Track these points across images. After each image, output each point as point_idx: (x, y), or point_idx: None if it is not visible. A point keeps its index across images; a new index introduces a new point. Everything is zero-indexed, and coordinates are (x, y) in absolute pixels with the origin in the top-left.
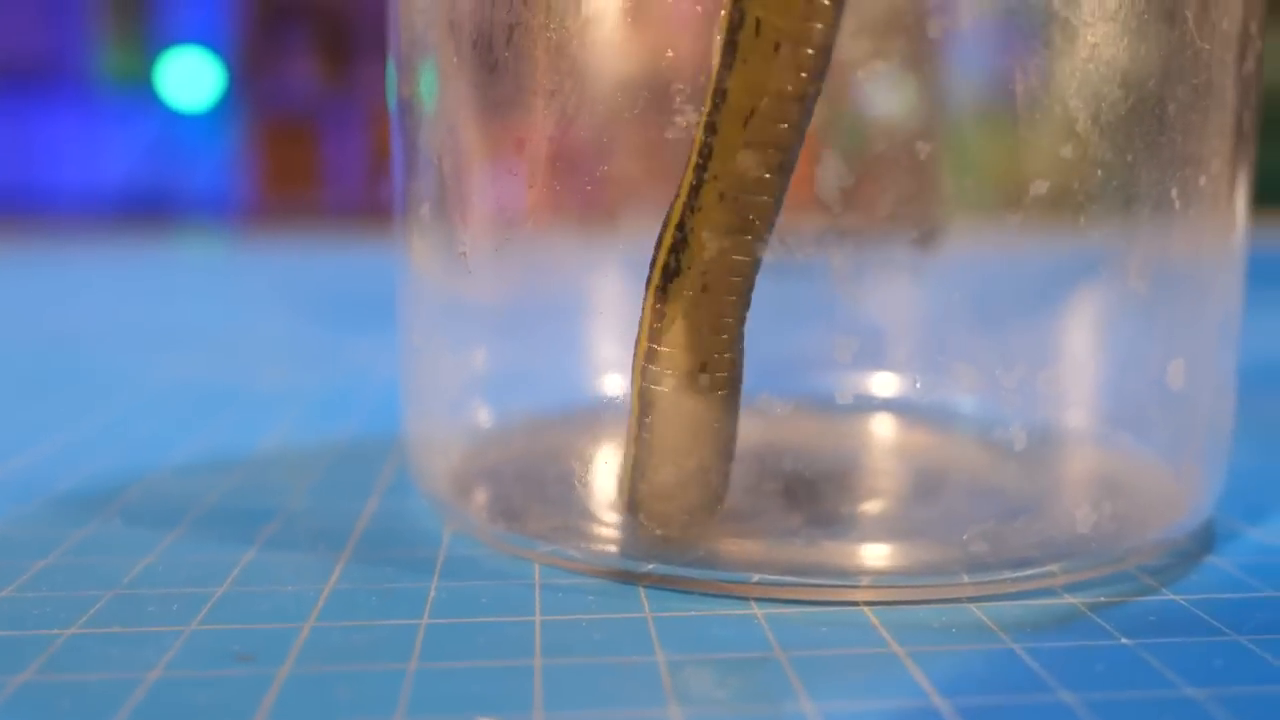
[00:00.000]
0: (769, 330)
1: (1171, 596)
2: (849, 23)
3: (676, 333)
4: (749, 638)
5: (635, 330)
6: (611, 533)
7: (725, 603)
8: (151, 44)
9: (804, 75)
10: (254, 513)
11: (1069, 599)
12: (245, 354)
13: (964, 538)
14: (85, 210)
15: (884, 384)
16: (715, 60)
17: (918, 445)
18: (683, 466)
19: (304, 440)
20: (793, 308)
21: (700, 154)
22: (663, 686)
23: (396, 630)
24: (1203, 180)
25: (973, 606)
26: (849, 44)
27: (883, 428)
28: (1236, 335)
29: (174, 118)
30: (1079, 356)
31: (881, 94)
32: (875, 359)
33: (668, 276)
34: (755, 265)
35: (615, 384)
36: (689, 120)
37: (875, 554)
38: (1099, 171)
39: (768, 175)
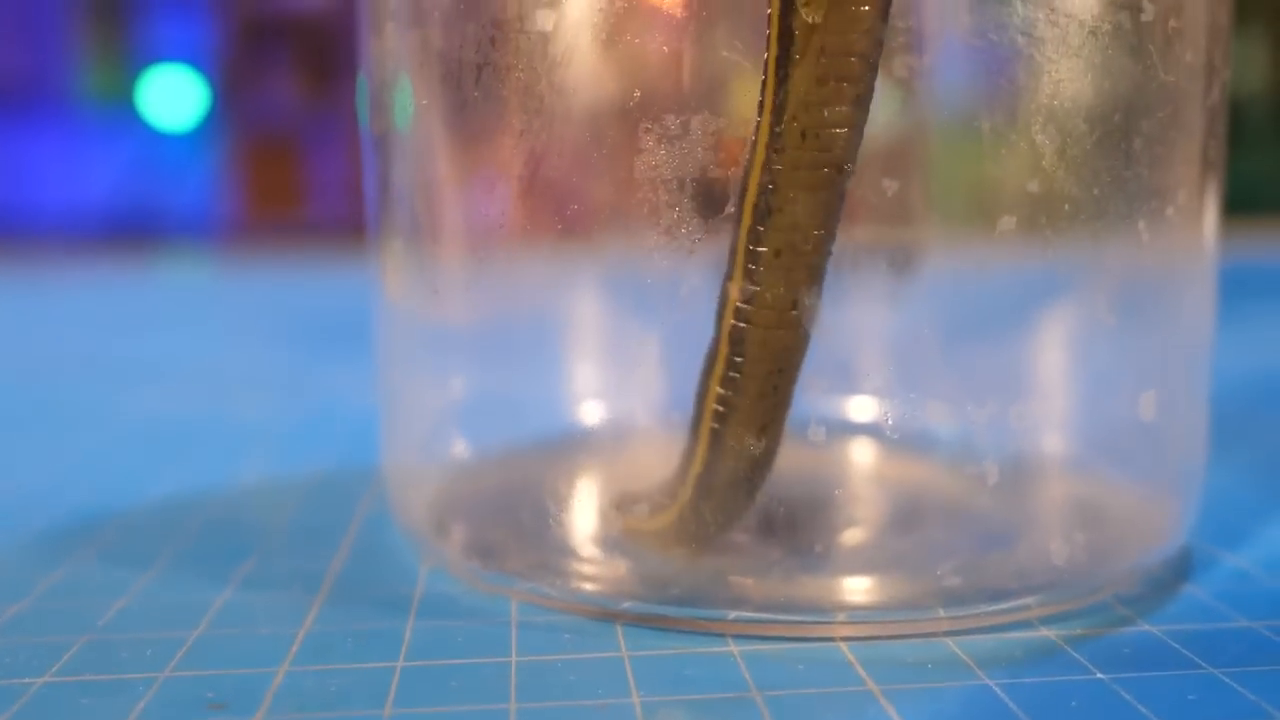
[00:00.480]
0: None
1: (1147, 628)
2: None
3: (772, 270)
4: (725, 677)
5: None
6: (588, 569)
7: (702, 639)
8: (133, 62)
9: (867, 8)
10: (231, 550)
11: (1045, 631)
12: (227, 381)
13: (938, 572)
14: (67, 230)
15: (859, 411)
16: (774, 7)
17: (893, 476)
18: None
19: (284, 471)
20: None
21: (775, 97)
22: None
23: (371, 674)
24: (1170, 211)
25: (949, 640)
26: None
27: (858, 458)
28: (1209, 362)
29: (156, 137)
30: (1052, 387)
31: None
32: (849, 386)
33: (759, 219)
34: (842, 196)
35: (590, 411)
36: (657, 160)
37: (851, 589)
38: (1066, 205)
39: (845, 109)
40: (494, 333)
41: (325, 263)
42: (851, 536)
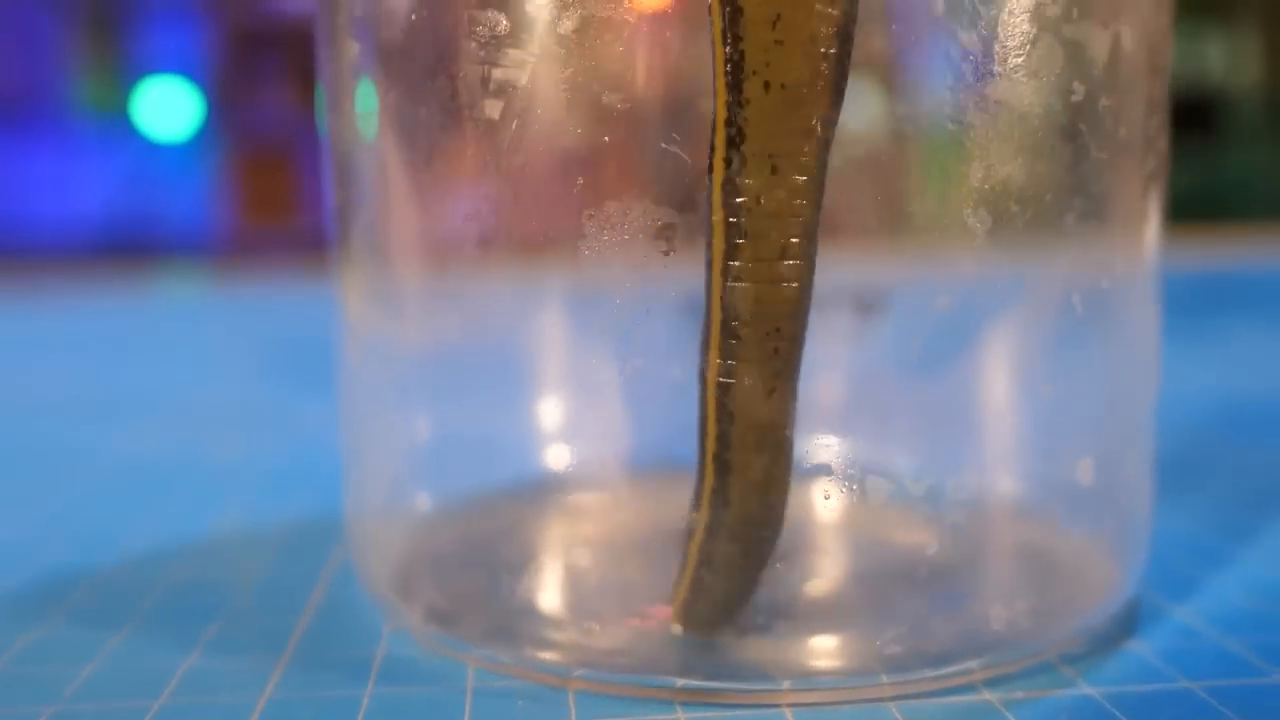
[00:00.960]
0: (673, 408)
1: (1087, 690)
2: None
3: (756, 221)
4: None
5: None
6: (542, 635)
7: (652, 706)
8: (127, 74)
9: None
10: (200, 610)
11: (986, 695)
12: (212, 416)
13: (878, 644)
14: (62, 241)
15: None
16: None
17: (835, 541)
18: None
19: (261, 517)
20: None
21: (729, 62)
22: None
23: None
24: (1106, 283)
25: (892, 706)
26: None
27: (800, 521)
28: (1152, 420)
29: (150, 148)
30: (996, 449)
31: None
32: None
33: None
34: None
35: (556, 457)
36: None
37: (796, 656)
38: (997, 285)
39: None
40: (457, 371)
41: (318, 277)
42: (795, 602)
